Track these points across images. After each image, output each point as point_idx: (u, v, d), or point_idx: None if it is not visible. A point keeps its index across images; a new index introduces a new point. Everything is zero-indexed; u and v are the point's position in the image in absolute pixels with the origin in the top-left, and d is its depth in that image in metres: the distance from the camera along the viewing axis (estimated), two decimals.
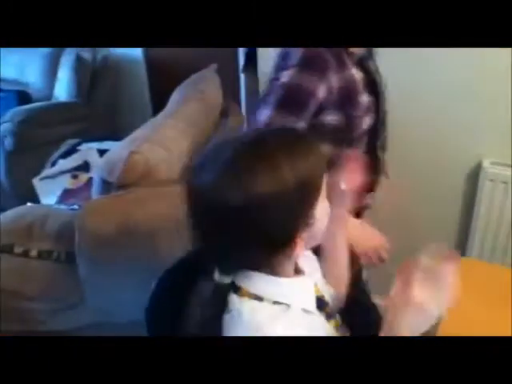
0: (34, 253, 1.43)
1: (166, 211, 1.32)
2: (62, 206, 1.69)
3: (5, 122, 2.59)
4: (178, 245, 1.31)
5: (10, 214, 1.57)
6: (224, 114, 1.93)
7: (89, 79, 2.87)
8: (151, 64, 2.99)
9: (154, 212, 1.29)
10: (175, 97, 1.82)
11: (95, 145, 2.06)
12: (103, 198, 1.32)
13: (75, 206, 1.65)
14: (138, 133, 1.51)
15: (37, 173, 2.27)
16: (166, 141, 1.47)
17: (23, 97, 2.99)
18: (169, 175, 1.41)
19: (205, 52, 2.71)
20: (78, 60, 2.82)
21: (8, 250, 1.43)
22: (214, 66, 2.02)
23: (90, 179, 1.94)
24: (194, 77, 1.95)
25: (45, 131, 2.67)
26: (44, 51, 3.02)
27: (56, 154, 2.06)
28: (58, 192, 1.90)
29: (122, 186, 1.30)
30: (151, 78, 3.02)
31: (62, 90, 2.91)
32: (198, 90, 1.84)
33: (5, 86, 3.16)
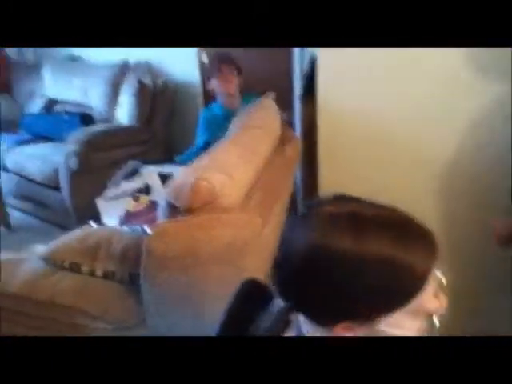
0: (99, 273, 1.48)
1: (229, 237, 1.34)
2: (125, 228, 1.75)
3: (70, 143, 2.73)
4: (240, 271, 1.33)
5: (77, 234, 1.64)
6: (281, 141, 1.95)
7: (149, 104, 3.00)
8: (208, 90, 3.08)
9: (218, 238, 1.31)
10: (236, 124, 1.86)
11: (156, 168, 2.13)
12: (170, 222, 1.35)
13: (138, 228, 1.70)
14: (202, 159, 1.55)
15: (98, 193, 2.36)
16: (228, 168, 1.50)
17: (87, 119, 3.15)
18: (231, 201, 1.44)
19: (261, 79, 2.78)
20: (140, 85, 2.94)
21: (76, 268, 1.49)
22: (271, 94, 2.06)
23: (151, 202, 2.01)
24: (253, 104, 1.99)
25: (106, 153, 2.79)
26: (106, 76, 3.18)
27: (119, 176, 2.14)
28: (120, 213, 1.96)
29: (188, 210, 1.34)
30: (208, 104, 3.11)
31: (124, 113, 3.05)
32: (258, 117, 1.87)
33: (70, 109, 3.34)
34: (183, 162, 2.14)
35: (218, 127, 2.13)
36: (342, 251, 0.59)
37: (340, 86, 1.96)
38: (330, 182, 2.11)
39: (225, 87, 2.17)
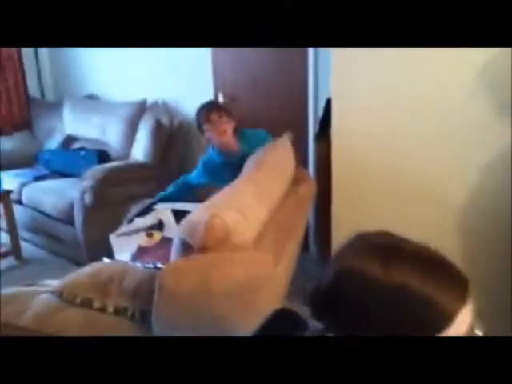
0: (110, 309, 1.47)
1: (242, 275, 1.34)
2: (138, 264, 1.75)
3: (85, 179, 2.78)
4: (253, 309, 1.32)
5: (89, 269, 1.64)
6: (295, 181, 1.97)
7: (164, 142, 3.06)
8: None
9: (230, 276, 1.31)
10: (251, 163, 1.89)
11: (169, 205, 2.15)
12: (183, 259, 1.35)
13: (150, 265, 1.71)
14: (216, 197, 1.57)
15: (111, 228, 2.38)
16: (242, 207, 1.51)
17: (103, 156, 3.21)
18: (244, 240, 1.44)
19: (277, 120, 2.84)
20: (156, 124, 3.01)
21: (88, 304, 1.49)
22: (288, 135, 2.09)
23: (164, 238, 2.01)
24: (268, 144, 2.02)
25: (121, 189, 2.84)
26: (124, 114, 3.27)
27: (133, 212, 2.16)
28: (133, 249, 1.97)
29: (202, 248, 1.34)
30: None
31: (140, 150, 3.11)
32: (273, 157, 1.90)
33: (87, 145, 3.42)
34: (166, 198, 2.23)
35: (215, 172, 2.20)
36: (373, 278, 0.62)
37: (354, 126, 1.99)
38: (344, 221, 2.11)
39: (216, 136, 2.17)
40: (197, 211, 1.46)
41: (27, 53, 3.95)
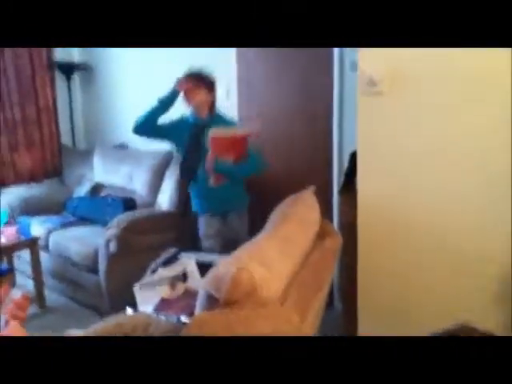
0: None
1: (268, 332, 1.31)
2: (161, 316, 1.73)
3: (111, 227, 2.82)
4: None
5: (113, 320, 1.64)
6: (321, 235, 1.96)
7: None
8: (248, 181, 3.18)
9: (256, 331, 1.28)
10: (275, 216, 1.89)
11: (194, 255, 2.15)
12: (208, 313, 1.34)
13: (173, 317, 1.69)
14: (241, 250, 1.57)
15: (133, 277, 2.39)
16: (267, 261, 1.50)
17: (129, 204, 3.27)
18: (270, 295, 1.42)
19: (300, 170, 2.86)
20: None
21: None
22: (312, 188, 2.10)
23: (187, 290, 2.00)
24: (293, 197, 2.03)
25: (145, 238, 2.86)
26: (151, 164, 3.35)
27: (157, 262, 2.17)
28: (155, 300, 1.96)
29: (227, 302, 1.32)
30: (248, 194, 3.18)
31: (165, 199, 3.16)
32: (298, 211, 1.90)
33: (114, 193, 3.50)
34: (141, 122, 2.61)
35: (184, 131, 2.54)
36: None
37: (380, 181, 1.99)
38: (369, 276, 2.07)
39: (189, 100, 2.50)
40: (223, 263, 1.46)
41: (62, 101, 4.15)
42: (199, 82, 2.50)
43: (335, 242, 2.00)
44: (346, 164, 2.59)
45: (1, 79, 3.73)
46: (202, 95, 2.49)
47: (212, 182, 2.45)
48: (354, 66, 2.14)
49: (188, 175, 2.60)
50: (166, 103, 2.50)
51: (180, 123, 2.57)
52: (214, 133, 2.26)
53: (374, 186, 2.01)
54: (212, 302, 1.38)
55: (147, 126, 2.53)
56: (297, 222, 1.85)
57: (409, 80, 1.84)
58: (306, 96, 2.83)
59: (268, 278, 1.44)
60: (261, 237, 1.73)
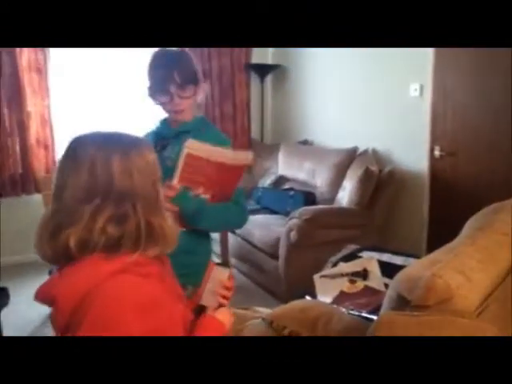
0: None
1: None
2: (342, 309, 1.76)
3: (293, 218, 2.96)
4: None
5: (299, 304, 1.72)
6: None
7: (371, 190, 3.07)
8: (435, 182, 3.01)
9: None
10: (474, 224, 1.75)
11: (376, 255, 2.13)
12: (399, 314, 1.31)
13: (355, 312, 1.70)
14: (435, 255, 1.49)
15: (310, 267, 2.47)
16: (466, 270, 1.40)
17: (310, 198, 3.39)
18: (467, 305, 1.33)
19: (503, 177, 2.58)
20: (366, 172, 3.05)
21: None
22: None
23: (367, 287, 1.99)
24: (495, 206, 1.85)
25: (325, 232, 2.93)
26: (334, 161, 3.40)
27: (338, 256, 2.21)
28: (335, 292, 2.00)
29: (419, 306, 1.28)
30: (433, 196, 3.02)
31: (345, 196, 3.18)
32: (501, 221, 1.73)
33: (296, 186, 3.66)
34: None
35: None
36: None
37: None
38: None
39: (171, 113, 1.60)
40: (416, 266, 1.41)
41: (255, 99, 4.49)
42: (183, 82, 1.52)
43: None
44: None
45: (206, 81, 4.22)
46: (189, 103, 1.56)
47: None
48: None
49: None
50: None
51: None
52: (191, 146, 1.33)
53: None
54: (402, 303, 1.35)
55: None
56: (499, 233, 1.69)
57: None
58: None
59: (466, 287, 1.35)
60: (457, 243, 1.62)
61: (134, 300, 0.86)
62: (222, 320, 1.09)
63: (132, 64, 3.82)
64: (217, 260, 3.36)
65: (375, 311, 1.67)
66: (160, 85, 1.49)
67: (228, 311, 1.13)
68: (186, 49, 1.59)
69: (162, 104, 1.54)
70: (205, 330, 1.05)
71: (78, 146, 0.91)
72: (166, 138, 1.58)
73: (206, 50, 4.15)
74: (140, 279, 0.90)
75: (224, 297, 1.14)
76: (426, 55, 2.92)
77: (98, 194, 0.87)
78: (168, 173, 1.40)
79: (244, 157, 1.41)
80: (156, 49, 1.55)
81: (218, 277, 1.15)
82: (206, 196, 1.43)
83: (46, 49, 3.61)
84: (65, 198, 0.88)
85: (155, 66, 1.51)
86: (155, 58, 1.52)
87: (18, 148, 3.63)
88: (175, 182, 1.38)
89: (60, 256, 0.88)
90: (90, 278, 0.85)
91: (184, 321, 1.02)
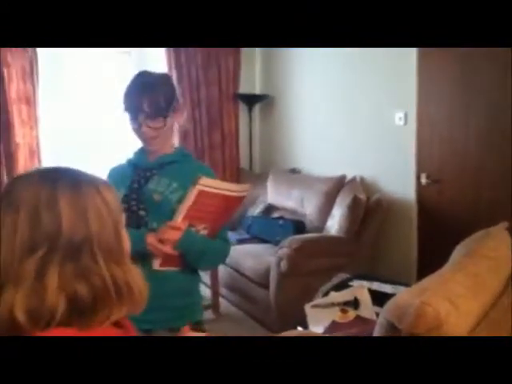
0: None
1: None
2: None
3: (283, 247, 2.95)
4: None
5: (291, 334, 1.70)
6: None
7: (360, 218, 3.08)
8: (423, 209, 3.03)
9: None
10: (461, 251, 1.76)
11: (366, 283, 2.12)
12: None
13: None
14: (424, 283, 1.50)
15: (301, 297, 2.45)
16: (454, 297, 1.40)
17: (299, 226, 3.39)
18: (455, 332, 1.32)
19: (487, 206, 2.62)
20: (354, 200, 3.07)
21: None
22: (504, 224, 1.91)
23: (358, 317, 1.98)
24: (481, 233, 1.87)
25: (314, 261, 2.93)
26: (323, 189, 3.42)
27: (328, 285, 2.20)
28: (326, 322, 1.98)
29: (409, 334, 1.27)
30: (421, 223, 3.04)
31: (334, 224, 3.19)
32: (488, 247, 1.74)
33: (285, 215, 3.66)
34: None
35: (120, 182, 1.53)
36: None
37: None
38: None
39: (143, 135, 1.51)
40: (405, 295, 1.41)
41: (243, 129, 4.54)
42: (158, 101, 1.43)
43: None
44: None
45: (195, 110, 4.26)
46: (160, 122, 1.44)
47: (157, 263, 1.38)
48: None
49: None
50: None
51: (119, 171, 1.56)
52: (204, 183, 1.30)
53: None
54: (392, 331, 1.34)
55: None
56: (486, 259, 1.70)
57: None
58: (495, 119, 2.60)
59: (454, 314, 1.35)
60: (445, 271, 1.63)
61: None
62: None
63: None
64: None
65: None
66: (130, 111, 1.44)
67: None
68: (173, 74, 1.62)
69: (134, 130, 1.47)
70: None
71: (13, 187, 0.72)
72: (147, 169, 1.49)
73: (194, 78, 4.20)
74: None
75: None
76: (409, 84, 2.99)
77: (42, 244, 0.68)
78: (156, 208, 1.42)
79: (245, 188, 1.42)
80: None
81: None
82: (205, 232, 1.40)
83: (35, 78, 3.63)
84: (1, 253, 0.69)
85: (128, 92, 1.45)
86: (131, 82, 1.46)
87: (5, 179, 3.61)
88: (179, 221, 1.33)
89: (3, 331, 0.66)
90: None
91: None
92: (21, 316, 0.65)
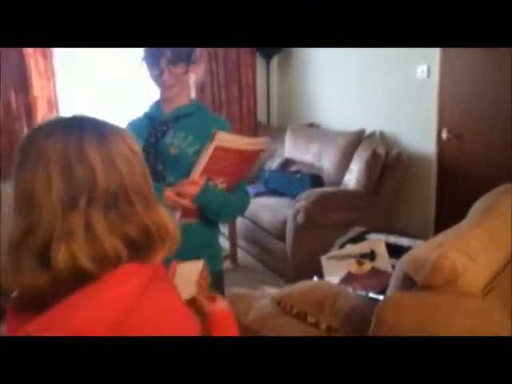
0: (323, 326, 1.55)
1: (466, 326, 1.26)
2: (349, 289, 1.80)
3: (300, 200, 2.98)
4: None
5: (306, 284, 1.76)
6: None
7: (378, 173, 3.08)
8: (443, 164, 3.01)
9: (454, 325, 1.25)
10: (478, 209, 1.77)
11: (383, 236, 2.15)
12: (405, 294, 1.34)
13: (362, 292, 1.74)
14: (442, 237, 1.52)
15: (317, 249, 2.50)
16: (472, 252, 1.42)
17: (317, 180, 3.40)
18: (472, 286, 1.36)
19: (499, 162, 2.58)
20: (373, 154, 3.06)
21: (302, 317, 1.60)
22: None
23: (374, 269, 2.03)
24: (501, 188, 1.86)
25: (331, 214, 2.96)
26: (341, 143, 3.40)
27: (345, 238, 2.24)
28: (342, 273, 2.03)
29: (426, 286, 1.31)
30: (440, 178, 3.03)
31: (352, 178, 3.20)
32: (507, 204, 1.74)
33: (303, 169, 3.67)
34: None
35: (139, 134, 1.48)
36: None
37: None
38: None
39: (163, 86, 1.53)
40: (422, 248, 1.44)
41: (260, 83, 4.48)
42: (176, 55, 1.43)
43: None
44: None
45: (211, 62, 4.19)
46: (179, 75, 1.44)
47: (177, 216, 1.39)
48: None
49: None
50: None
51: (136, 124, 1.55)
52: (221, 138, 1.30)
53: None
54: (408, 283, 1.38)
55: None
56: (503, 216, 1.70)
57: None
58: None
59: (471, 268, 1.38)
60: (463, 225, 1.64)
61: (174, 311, 0.73)
62: (227, 308, 1.00)
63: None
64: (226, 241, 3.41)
65: (382, 292, 1.70)
66: (152, 57, 1.42)
67: (220, 297, 1.04)
68: None
69: (153, 77, 1.45)
70: (220, 325, 0.96)
71: (35, 140, 0.71)
72: (163, 122, 1.48)
73: None
74: (167, 284, 0.78)
75: (202, 286, 1.04)
76: None
77: (81, 197, 0.68)
78: (173, 162, 1.42)
79: (263, 142, 1.42)
80: None
81: (190, 270, 1.06)
82: (223, 185, 1.40)
83: None
84: (37, 209, 0.68)
85: None
86: None
87: (25, 132, 3.66)
88: (197, 175, 1.34)
89: (62, 282, 0.67)
90: (122, 299, 0.67)
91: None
92: (87, 263, 0.66)
